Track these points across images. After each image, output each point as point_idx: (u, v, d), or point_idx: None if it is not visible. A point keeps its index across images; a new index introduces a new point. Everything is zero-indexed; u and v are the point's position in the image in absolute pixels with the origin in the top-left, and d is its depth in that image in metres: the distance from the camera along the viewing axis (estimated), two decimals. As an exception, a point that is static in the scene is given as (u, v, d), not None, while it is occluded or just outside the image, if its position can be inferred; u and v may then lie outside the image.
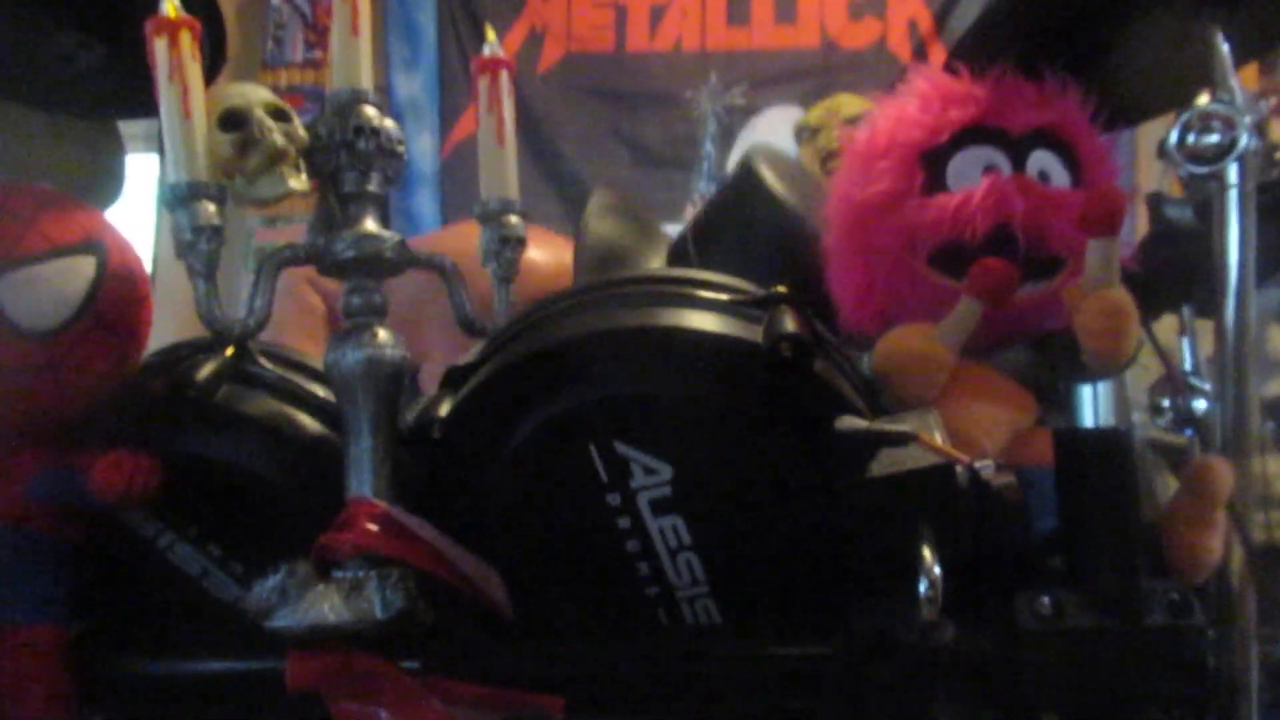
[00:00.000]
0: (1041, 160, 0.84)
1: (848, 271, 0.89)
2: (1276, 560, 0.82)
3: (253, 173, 0.73)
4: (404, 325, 0.77)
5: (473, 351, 0.79)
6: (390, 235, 0.74)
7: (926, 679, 0.68)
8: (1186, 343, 1.20)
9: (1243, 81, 0.84)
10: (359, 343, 0.73)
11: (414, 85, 2.94)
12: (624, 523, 0.74)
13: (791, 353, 0.70)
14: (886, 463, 0.68)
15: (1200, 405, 1.09)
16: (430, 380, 0.94)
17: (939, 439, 0.68)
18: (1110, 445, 0.70)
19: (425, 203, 2.88)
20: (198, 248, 0.70)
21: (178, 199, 0.70)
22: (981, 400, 0.77)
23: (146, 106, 0.72)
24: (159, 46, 0.69)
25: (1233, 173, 0.83)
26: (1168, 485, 0.76)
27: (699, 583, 0.75)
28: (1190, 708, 0.68)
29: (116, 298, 0.76)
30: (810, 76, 2.82)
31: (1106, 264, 0.74)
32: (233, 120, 0.74)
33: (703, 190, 2.76)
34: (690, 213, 2.22)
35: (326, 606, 0.68)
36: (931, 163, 0.84)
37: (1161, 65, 0.93)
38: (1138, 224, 1.12)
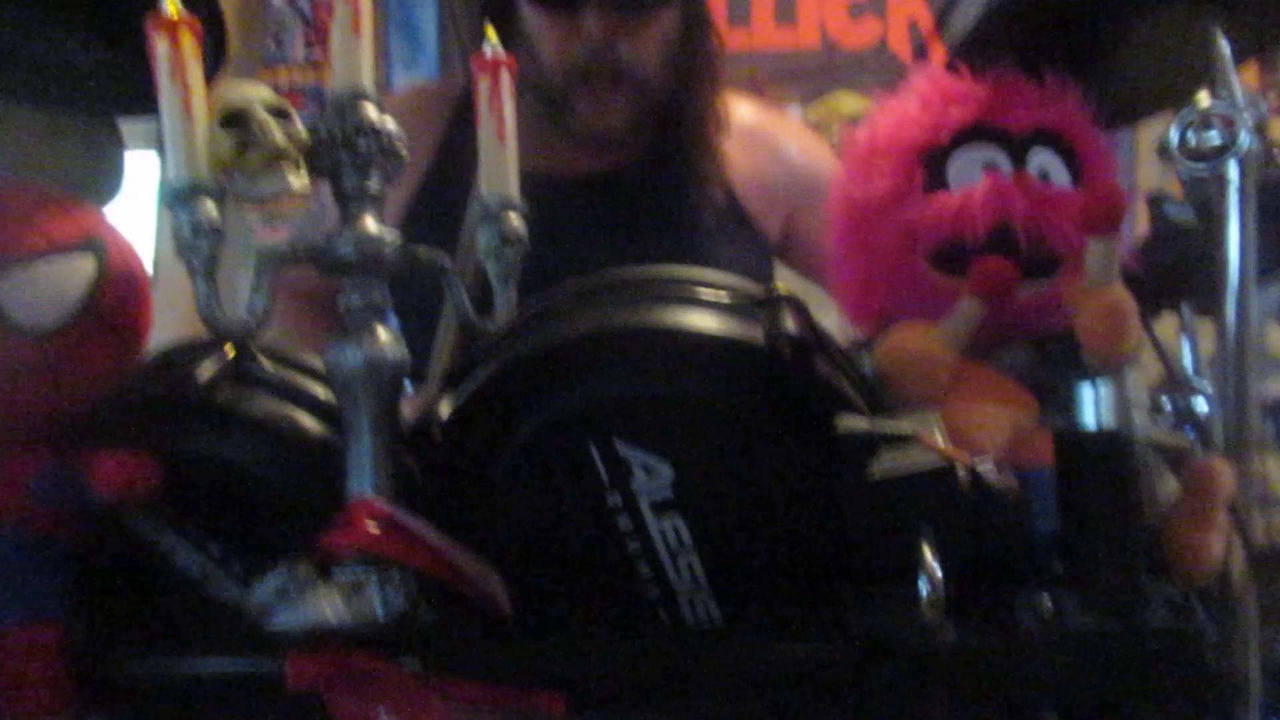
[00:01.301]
0: (1042, 159, 0.84)
1: (848, 271, 0.89)
2: (1277, 561, 0.82)
3: (253, 171, 0.73)
4: None
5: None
6: (390, 235, 0.74)
7: (926, 679, 0.68)
8: (1186, 343, 1.20)
9: (1243, 80, 0.84)
10: (359, 343, 0.73)
11: (414, 84, 2.94)
12: (625, 523, 0.74)
13: (791, 353, 0.70)
14: (887, 463, 0.68)
15: (1200, 405, 1.09)
16: None
17: (939, 439, 0.68)
18: (1111, 446, 0.70)
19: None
20: (198, 247, 0.70)
21: (178, 198, 0.69)
22: (982, 400, 0.77)
23: (147, 106, 0.71)
24: (159, 46, 0.69)
25: (1233, 172, 0.83)
26: (1168, 485, 0.76)
27: (699, 583, 0.75)
28: (1190, 708, 0.68)
29: (116, 297, 0.75)
30: (810, 76, 2.81)
31: (1106, 264, 0.74)
32: (233, 119, 0.73)
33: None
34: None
35: (326, 606, 0.68)
36: (932, 162, 0.84)
37: (1161, 64, 0.93)
38: (1138, 224, 1.12)
